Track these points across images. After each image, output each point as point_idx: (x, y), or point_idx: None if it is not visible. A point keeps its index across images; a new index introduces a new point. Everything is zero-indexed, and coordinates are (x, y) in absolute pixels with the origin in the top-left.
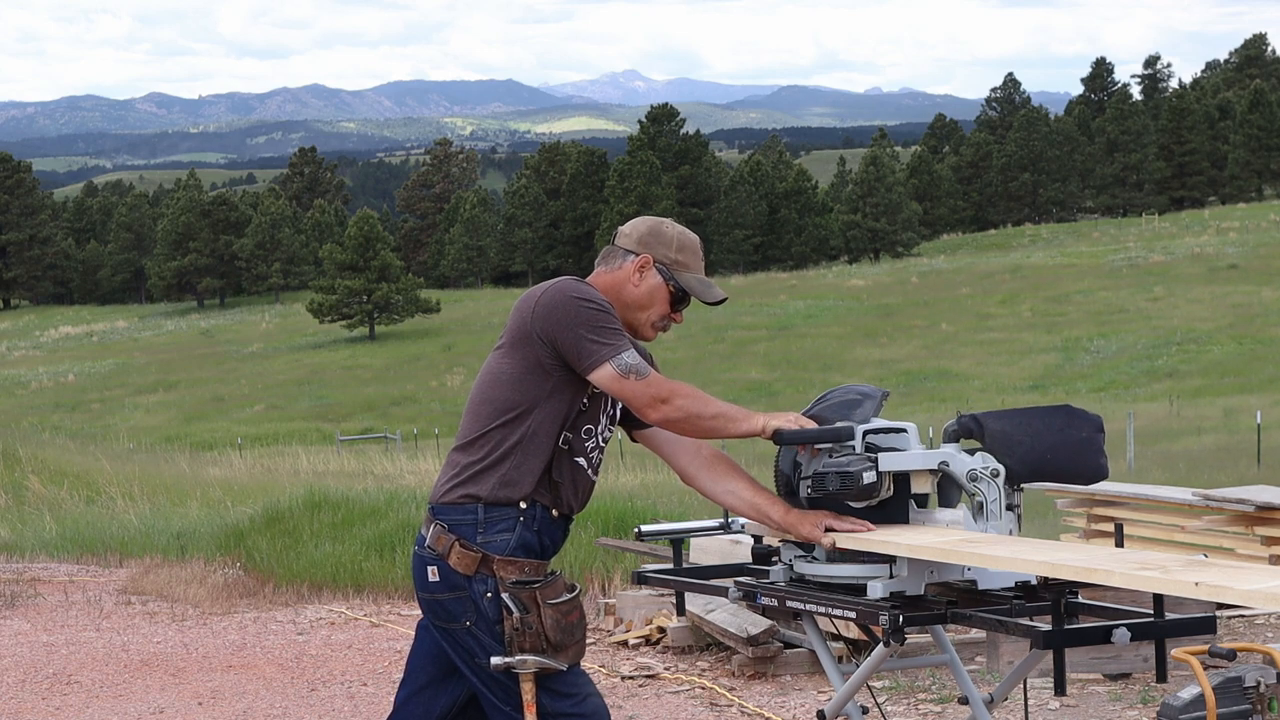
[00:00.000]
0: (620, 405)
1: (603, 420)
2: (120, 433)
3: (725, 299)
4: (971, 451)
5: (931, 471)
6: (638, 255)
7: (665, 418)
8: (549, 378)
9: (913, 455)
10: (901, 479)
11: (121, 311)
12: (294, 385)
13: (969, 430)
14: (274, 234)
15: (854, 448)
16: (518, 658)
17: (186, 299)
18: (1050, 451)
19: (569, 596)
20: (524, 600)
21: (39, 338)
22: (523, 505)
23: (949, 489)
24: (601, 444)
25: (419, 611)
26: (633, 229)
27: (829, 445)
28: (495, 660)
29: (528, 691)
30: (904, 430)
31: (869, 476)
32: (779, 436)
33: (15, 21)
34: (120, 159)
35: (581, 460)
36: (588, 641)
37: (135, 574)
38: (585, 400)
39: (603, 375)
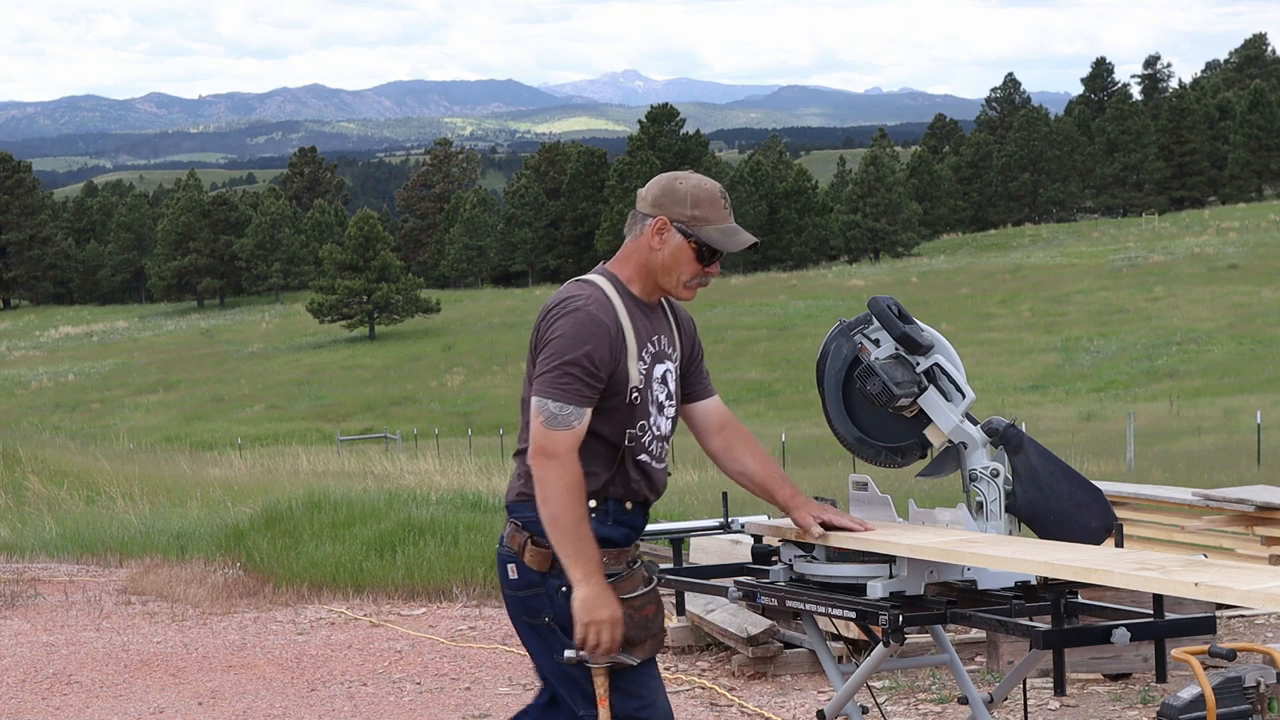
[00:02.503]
0: (677, 385)
1: (652, 412)
2: (120, 433)
3: (756, 243)
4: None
5: (949, 440)
6: (655, 218)
7: (531, 472)
8: None
9: (949, 415)
10: (924, 418)
11: (121, 311)
12: (294, 385)
13: (1008, 440)
14: (274, 234)
15: (915, 366)
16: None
17: (186, 299)
18: (1054, 514)
19: (644, 590)
20: None
21: (39, 338)
22: (592, 504)
23: (946, 460)
24: (657, 434)
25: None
26: (647, 191)
27: (892, 352)
28: (568, 653)
29: (600, 685)
30: (964, 393)
31: (904, 401)
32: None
33: (15, 21)
34: (120, 159)
35: (643, 456)
36: None
37: (135, 574)
38: (635, 395)
39: (533, 402)
